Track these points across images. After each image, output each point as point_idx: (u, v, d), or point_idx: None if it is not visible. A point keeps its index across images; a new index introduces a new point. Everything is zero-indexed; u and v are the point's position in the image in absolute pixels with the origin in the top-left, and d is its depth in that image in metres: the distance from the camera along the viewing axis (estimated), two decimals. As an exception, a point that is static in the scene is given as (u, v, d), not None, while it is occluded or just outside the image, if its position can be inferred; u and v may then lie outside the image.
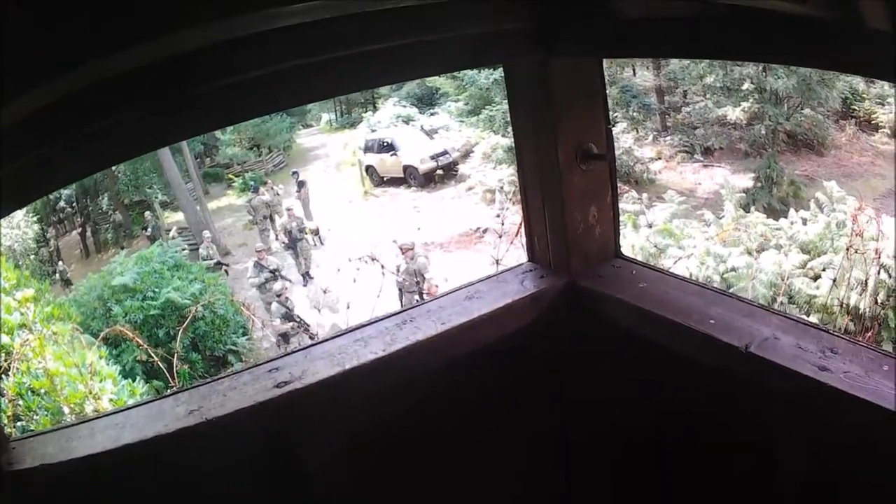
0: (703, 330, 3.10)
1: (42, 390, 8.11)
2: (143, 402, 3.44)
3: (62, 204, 49.23)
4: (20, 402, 7.87)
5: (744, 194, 25.93)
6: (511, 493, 4.01)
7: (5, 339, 8.60)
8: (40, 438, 3.21)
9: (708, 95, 35.99)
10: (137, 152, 2.88)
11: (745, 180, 31.84)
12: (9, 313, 9.12)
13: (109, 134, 2.54)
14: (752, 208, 23.50)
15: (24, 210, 42.19)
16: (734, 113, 33.82)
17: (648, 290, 3.55)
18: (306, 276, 29.57)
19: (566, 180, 3.60)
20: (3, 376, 8.05)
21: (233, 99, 2.71)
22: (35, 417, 7.78)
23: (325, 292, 26.00)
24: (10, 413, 7.60)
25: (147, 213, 41.04)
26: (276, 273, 24.29)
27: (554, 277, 3.84)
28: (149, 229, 38.74)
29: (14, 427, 7.44)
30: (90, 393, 8.56)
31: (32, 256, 41.77)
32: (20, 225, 40.61)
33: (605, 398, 3.88)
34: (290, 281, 25.29)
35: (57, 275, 37.92)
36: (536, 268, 3.97)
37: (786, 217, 17.83)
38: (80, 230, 47.51)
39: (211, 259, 27.89)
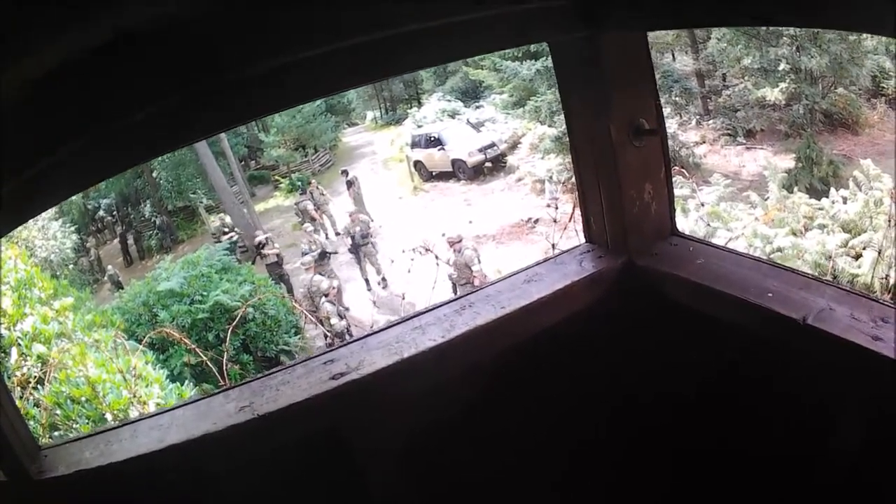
0: (761, 303, 3.06)
1: (83, 398, 8.04)
2: (191, 400, 3.41)
3: (101, 213, 49.74)
4: (58, 412, 7.80)
5: (786, 175, 25.86)
6: (572, 478, 3.93)
7: (41, 348, 8.52)
8: (77, 444, 3.16)
9: (746, 77, 35.78)
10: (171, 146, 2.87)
11: (787, 161, 31.70)
12: (45, 323, 9.05)
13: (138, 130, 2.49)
14: (795, 188, 23.35)
15: (61, 221, 42.55)
16: (773, 94, 33.53)
17: (706, 266, 3.48)
18: (369, 282, 28.92)
19: (620, 157, 3.52)
20: (39, 386, 7.98)
21: (269, 87, 2.65)
22: (75, 426, 7.72)
23: (383, 286, 25.97)
24: (45, 422, 7.52)
25: (220, 217, 40.74)
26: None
27: (612, 257, 3.78)
28: (222, 239, 36.24)
29: (50, 437, 7.38)
30: (135, 398, 8.50)
31: (71, 266, 41.88)
32: (56, 236, 40.71)
33: (665, 375, 3.81)
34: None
35: (107, 278, 38.28)
36: (594, 248, 3.91)
37: (827, 196, 17.84)
38: (119, 238, 47.84)
39: (314, 251, 27.00)
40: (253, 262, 29.58)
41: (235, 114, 2.77)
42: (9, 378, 7.87)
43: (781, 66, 32.28)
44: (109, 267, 40.61)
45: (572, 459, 3.88)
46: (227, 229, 36.90)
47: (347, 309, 25.09)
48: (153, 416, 3.31)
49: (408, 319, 3.62)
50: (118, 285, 34.57)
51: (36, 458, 3.03)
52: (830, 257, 14.52)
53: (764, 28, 30.66)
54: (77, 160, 2.45)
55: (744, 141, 35.83)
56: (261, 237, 30.45)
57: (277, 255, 29.93)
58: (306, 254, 26.51)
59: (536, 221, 31.50)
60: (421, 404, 3.44)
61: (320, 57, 2.58)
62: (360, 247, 28.34)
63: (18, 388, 7.85)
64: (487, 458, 3.66)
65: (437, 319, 3.54)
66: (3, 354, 8.27)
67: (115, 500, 3.13)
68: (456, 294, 20.54)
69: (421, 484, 3.61)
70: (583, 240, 4.04)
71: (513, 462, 3.72)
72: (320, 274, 23.19)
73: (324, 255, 26.59)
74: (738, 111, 35.84)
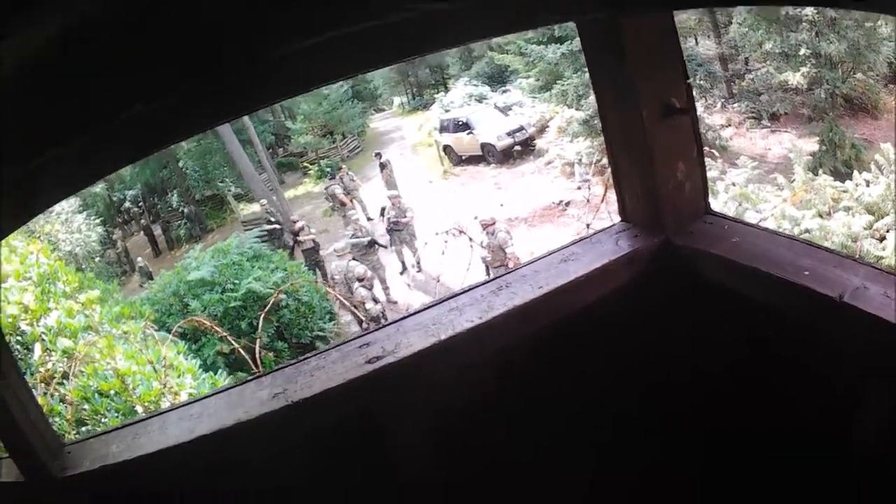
0: (797, 281, 3.01)
1: (112, 391, 8.07)
2: (222, 389, 3.40)
3: (128, 204, 49.96)
4: (85, 407, 7.82)
5: (811, 158, 25.89)
6: (606, 455, 3.89)
7: (67, 343, 8.51)
8: (102, 438, 3.16)
9: (768, 61, 35.66)
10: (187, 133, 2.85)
11: (811, 144, 31.69)
12: (71, 317, 9.07)
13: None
14: (820, 171, 23.32)
15: (85, 214, 42.75)
16: (795, 78, 33.55)
17: (741, 244, 3.42)
18: (405, 265, 28.32)
19: (652, 137, 3.47)
20: (64, 381, 7.97)
21: (301, 66, 2.61)
22: (103, 420, 7.73)
23: (418, 270, 25.99)
24: (70, 418, 7.50)
25: (263, 202, 39.33)
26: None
27: (648, 236, 3.73)
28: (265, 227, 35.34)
29: (77, 433, 7.34)
30: (166, 389, 8.51)
31: (98, 259, 41.97)
32: (81, 229, 40.77)
33: (699, 353, 3.79)
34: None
35: (137, 270, 38.33)
36: (630, 227, 3.86)
37: (850, 179, 17.77)
38: (144, 228, 48.15)
39: (363, 238, 26.26)
40: (291, 252, 29.76)
41: (251, 101, 2.75)
42: (32, 375, 7.88)
43: (802, 51, 32.26)
44: (139, 259, 40.52)
45: (606, 437, 3.84)
46: (272, 218, 36.07)
47: (395, 303, 25.01)
48: (183, 406, 3.31)
49: (444, 301, 3.60)
50: (148, 276, 34.51)
51: (59, 456, 3.02)
52: (856, 239, 14.50)
53: (783, 12, 30.64)
54: (77, 155, 2.41)
55: (768, 124, 35.79)
56: (299, 223, 30.29)
57: (314, 241, 29.65)
58: (354, 236, 26.02)
59: (567, 204, 31.53)
60: (456, 385, 3.42)
61: (333, 40, 2.52)
62: (397, 231, 27.93)
63: (42, 385, 7.85)
64: (521, 437, 3.64)
65: (474, 300, 3.51)
66: (25, 351, 8.27)
67: (142, 494, 3.12)
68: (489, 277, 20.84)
69: (455, 464, 3.59)
70: (616, 220, 4.00)
71: (546, 440, 3.69)
72: (355, 259, 23.08)
73: (372, 244, 26.10)
74: (762, 95, 35.74)
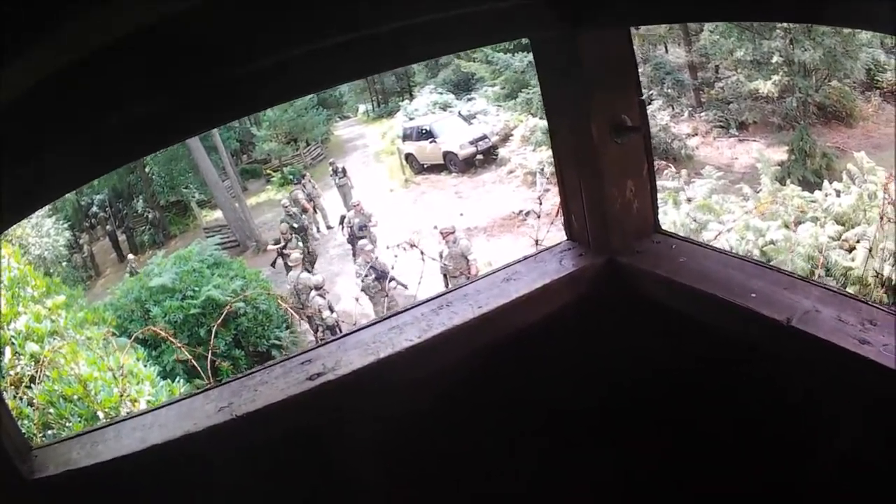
0: (744, 304, 3.00)
1: (75, 397, 8.05)
2: (173, 400, 3.43)
3: (94, 209, 49.78)
4: (51, 411, 7.82)
5: (779, 167, 25.88)
6: (551, 477, 3.93)
7: (34, 347, 8.53)
8: (66, 444, 3.18)
9: (739, 69, 35.86)
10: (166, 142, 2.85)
11: (780, 153, 31.80)
12: (38, 321, 9.06)
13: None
14: (788, 181, 23.30)
15: (54, 218, 42.54)
16: (766, 86, 33.70)
17: (688, 264, 3.44)
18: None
19: (602, 155, 3.50)
20: (32, 385, 8.00)
21: (264, 82, 2.65)
22: (67, 425, 7.73)
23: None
24: (37, 421, 7.54)
25: (300, 193, 38.26)
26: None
27: (593, 255, 3.75)
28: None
29: (44, 436, 7.38)
30: (126, 396, 8.52)
31: (65, 263, 42.00)
32: (50, 233, 40.74)
33: (644, 375, 3.80)
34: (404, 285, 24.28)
35: (127, 268, 37.62)
36: (575, 246, 3.88)
37: (820, 189, 17.67)
38: (109, 234, 47.93)
39: (372, 273, 24.30)
40: (273, 265, 30.00)
41: (233, 111, 2.83)
42: (2, 378, 7.89)
43: (774, 59, 32.43)
44: (130, 256, 40.81)
45: (547, 454, 3.89)
46: (295, 224, 33.07)
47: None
48: (137, 416, 3.34)
49: (385, 319, 3.64)
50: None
51: (27, 459, 3.04)
52: (822, 250, 14.46)
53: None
54: (70, 158, 2.46)
55: (736, 133, 35.92)
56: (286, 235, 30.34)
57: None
58: (365, 275, 24.08)
59: (528, 214, 31.32)
60: (397, 402, 3.45)
61: (304, 56, 2.58)
62: (359, 238, 27.36)
63: (12, 388, 7.86)
64: (464, 450, 3.69)
65: (415, 319, 3.55)
66: (-3, 354, 8.29)
67: (102, 500, 3.15)
68: (447, 286, 20.54)
69: (397, 476, 3.62)
70: None
71: (489, 454, 3.75)
72: (308, 271, 23.02)
73: (384, 277, 23.37)
74: (731, 103, 35.97)
